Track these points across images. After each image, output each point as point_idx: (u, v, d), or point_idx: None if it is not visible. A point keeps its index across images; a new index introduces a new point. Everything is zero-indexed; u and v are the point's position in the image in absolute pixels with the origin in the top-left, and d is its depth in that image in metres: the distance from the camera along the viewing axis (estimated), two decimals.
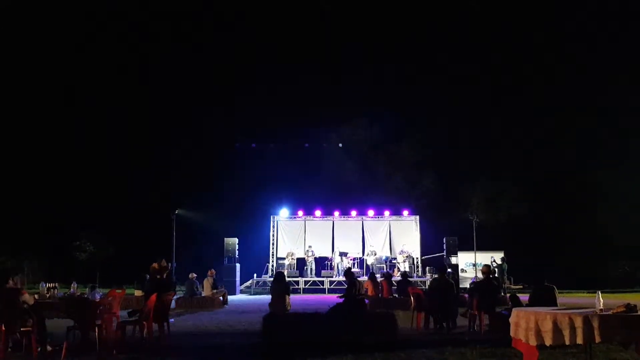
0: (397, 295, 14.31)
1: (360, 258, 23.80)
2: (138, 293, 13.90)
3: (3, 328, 6.63)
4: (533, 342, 5.41)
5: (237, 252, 22.26)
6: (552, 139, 31.51)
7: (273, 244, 24.96)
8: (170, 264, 8.27)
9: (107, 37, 33.07)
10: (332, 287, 21.64)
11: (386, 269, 21.68)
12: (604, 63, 31.74)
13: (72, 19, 31.85)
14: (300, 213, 25.48)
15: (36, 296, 8.97)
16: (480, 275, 19.61)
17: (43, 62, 31.31)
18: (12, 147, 29.47)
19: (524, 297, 9.89)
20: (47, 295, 9.11)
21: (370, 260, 23.22)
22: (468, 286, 19.25)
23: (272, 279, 21.62)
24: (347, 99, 33.05)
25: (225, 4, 34.74)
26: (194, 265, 18.89)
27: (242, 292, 22.42)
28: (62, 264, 26.90)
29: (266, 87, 33.01)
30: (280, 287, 9.92)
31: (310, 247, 23.64)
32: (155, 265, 8.55)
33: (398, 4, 34.65)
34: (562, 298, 9.59)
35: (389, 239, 24.92)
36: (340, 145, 32.48)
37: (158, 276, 8.55)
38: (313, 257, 23.21)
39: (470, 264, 23.18)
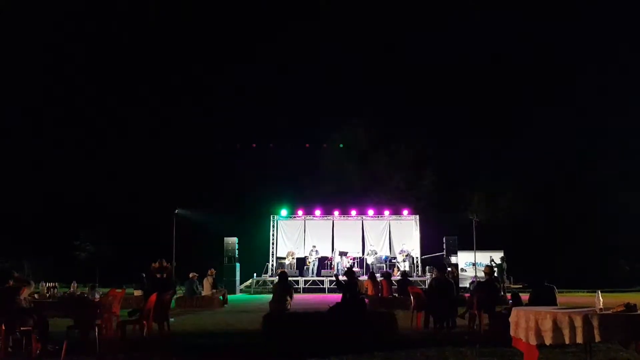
0: (396, 295, 14.30)
1: (360, 257, 23.81)
2: (137, 293, 13.90)
3: (3, 327, 6.62)
4: (533, 341, 5.42)
5: (237, 251, 22.28)
6: (551, 139, 31.53)
7: (273, 244, 24.96)
8: (169, 264, 8.25)
9: (108, 36, 33.09)
10: (332, 286, 21.63)
11: (386, 268, 21.68)
12: (604, 63, 31.81)
13: (72, 17, 31.88)
14: (300, 212, 25.48)
15: (36, 295, 8.98)
16: (480, 274, 19.66)
17: (41, 58, 31.29)
18: (12, 146, 29.45)
19: (523, 297, 9.88)
20: (47, 294, 9.11)
21: (370, 259, 23.23)
22: (468, 285, 19.28)
23: (272, 278, 21.77)
24: (347, 99, 33.10)
25: (225, 4, 34.76)
26: (193, 264, 18.87)
27: (242, 291, 22.44)
28: (62, 264, 26.88)
29: (266, 87, 33.05)
30: (283, 286, 9.91)
31: (314, 246, 23.65)
32: (154, 264, 8.55)
33: (398, 5, 34.68)
34: (562, 297, 9.60)
35: (388, 238, 24.92)
36: (341, 145, 32.48)
37: (158, 275, 8.54)
38: (317, 257, 23.21)
39: (470, 263, 23.17)
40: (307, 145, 33.46)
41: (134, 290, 14.60)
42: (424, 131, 30.82)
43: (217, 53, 34.57)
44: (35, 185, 29.61)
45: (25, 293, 6.98)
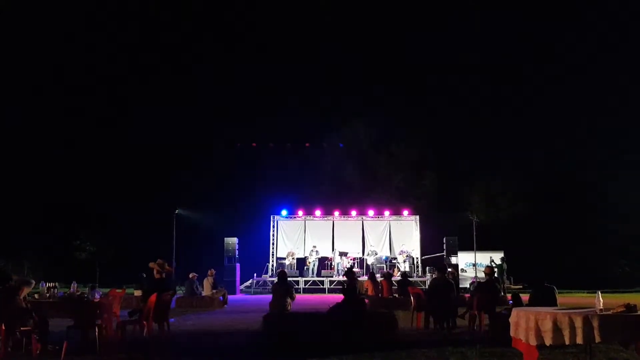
0: (397, 295, 14.30)
1: (360, 258, 23.81)
2: (137, 293, 13.89)
3: (3, 327, 6.62)
4: (533, 341, 5.41)
5: (237, 251, 22.27)
6: (552, 139, 31.54)
7: (273, 244, 24.96)
8: (169, 266, 8.21)
9: (108, 35, 33.12)
10: (332, 287, 21.65)
11: (386, 268, 21.66)
12: (604, 63, 31.81)
13: (73, 18, 31.90)
14: (300, 213, 25.49)
15: (36, 295, 8.98)
16: (480, 275, 19.67)
17: (39, 57, 31.31)
18: (12, 146, 29.46)
19: (523, 297, 9.88)
20: (47, 294, 9.12)
21: (370, 260, 23.22)
22: (468, 286, 19.29)
23: (272, 278, 21.77)
24: (347, 99, 33.10)
25: (226, 4, 34.77)
26: (194, 265, 18.89)
27: (242, 291, 22.43)
28: (62, 264, 26.90)
29: (266, 86, 33.06)
30: (282, 286, 9.90)
31: (314, 247, 23.65)
32: (151, 264, 8.53)
33: (398, 5, 34.69)
34: (562, 298, 9.59)
35: (389, 238, 24.92)
36: (341, 145, 32.49)
37: (157, 276, 8.52)
38: (317, 257, 23.21)
39: (470, 263, 23.19)
40: (307, 144, 33.47)
41: (134, 291, 14.60)
42: (424, 131, 30.85)
43: (217, 53, 34.63)
44: (36, 185, 29.61)
45: (25, 292, 6.98)
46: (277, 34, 33.59)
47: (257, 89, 33.41)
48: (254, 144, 33.49)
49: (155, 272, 8.37)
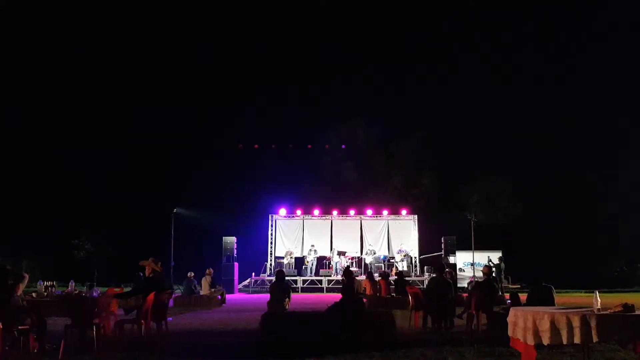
0: (394, 295, 14.30)
1: (358, 257, 23.82)
2: None
3: (0, 326, 6.60)
4: (531, 341, 5.42)
5: (235, 251, 22.29)
6: (551, 139, 31.56)
7: (271, 243, 24.97)
8: (160, 263, 8.18)
9: (108, 33, 33.07)
10: (330, 286, 21.66)
11: (384, 268, 21.68)
12: (604, 63, 31.84)
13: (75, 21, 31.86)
14: (298, 212, 25.50)
15: (34, 294, 8.97)
16: (478, 274, 19.69)
17: (38, 56, 31.23)
18: (12, 144, 29.39)
19: (521, 297, 9.89)
20: (45, 293, 9.11)
21: (368, 259, 23.23)
22: (466, 285, 19.31)
23: (270, 278, 21.78)
24: (346, 99, 33.11)
25: (226, 4, 34.75)
26: (192, 264, 18.87)
27: (240, 291, 22.44)
28: (60, 263, 26.85)
29: (266, 86, 33.05)
30: (280, 286, 9.90)
31: (312, 246, 23.66)
32: (143, 262, 8.51)
33: (398, 5, 34.69)
34: (560, 298, 9.60)
35: (387, 238, 24.95)
36: (343, 146, 32.47)
37: (151, 275, 8.49)
38: (315, 256, 23.21)
39: (468, 263, 23.21)
40: (310, 146, 33.46)
41: None
42: (423, 131, 30.85)
43: (217, 52, 34.59)
44: (35, 184, 29.54)
45: (20, 289, 6.96)
46: (277, 33, 33.58)
47: (256, 89, 33.40)
48: (256, 146, 33.42)
49: (147, 270, 8.36)
